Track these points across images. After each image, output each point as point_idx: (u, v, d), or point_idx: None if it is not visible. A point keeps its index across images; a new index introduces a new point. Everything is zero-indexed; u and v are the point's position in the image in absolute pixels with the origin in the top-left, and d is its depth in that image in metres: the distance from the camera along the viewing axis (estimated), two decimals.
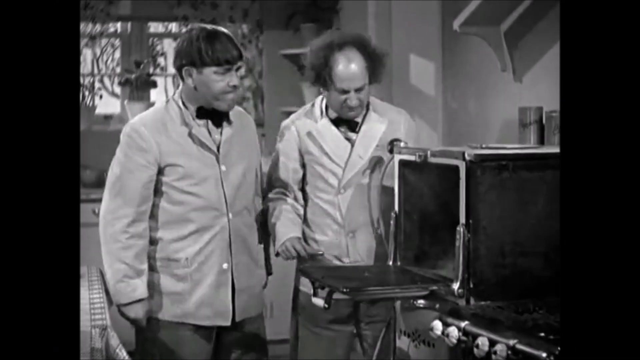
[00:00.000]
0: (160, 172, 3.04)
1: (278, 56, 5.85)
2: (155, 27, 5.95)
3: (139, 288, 3.03)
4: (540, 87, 3.78)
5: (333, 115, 3.34)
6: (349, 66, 3.22)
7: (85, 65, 5.69)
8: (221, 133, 3.10)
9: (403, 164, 2.99)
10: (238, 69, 3.05)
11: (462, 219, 2.61)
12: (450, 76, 4.64)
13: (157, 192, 3.06)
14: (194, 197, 3.05)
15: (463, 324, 2.48)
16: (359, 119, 3.34)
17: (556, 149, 2.67)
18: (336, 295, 2.82)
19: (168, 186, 3.05)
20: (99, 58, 5.74)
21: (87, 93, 5.66)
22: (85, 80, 5.68)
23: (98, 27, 5.65)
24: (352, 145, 3.32)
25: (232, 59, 3.01)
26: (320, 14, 5.72)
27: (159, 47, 5.89)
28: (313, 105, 3.43)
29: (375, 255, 3.29)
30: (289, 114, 5.77)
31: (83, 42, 5.61)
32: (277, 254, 3.29)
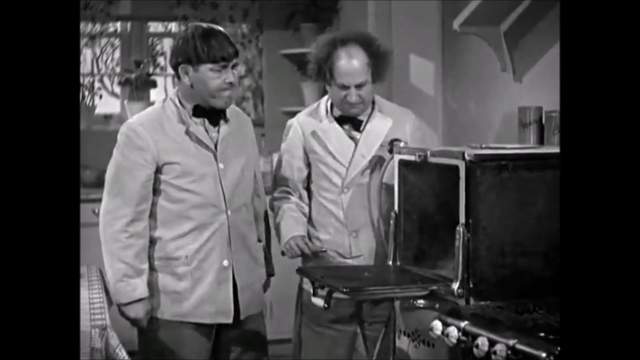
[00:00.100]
0: (158, 170, 3.04)
1: (278, 56, 5.85)
2: (155, 27, 5.95)
3: (139, 287, 3.03)
4: (540, 87, 3.78)
5: (337, 113, 3.35)
6: (349, 61, 3.24)
7: (85, 65, 5.69)
8: (218, 131, 3.11)
9: (403, 164, 2.99)
10: (234, 66, 3.05)
11: (462, 219, 2.61)
12: (450, 76, 4.64)
13: (156, 190, 3.07)
14: (193, 194, 3.05)
15: (463, 324, 2.48)
16: (362, 118, 3.34)
17: (556, 149, 2.67)
18: (336, 295, 2.82)
19: (166, 184, 3.06)
20: (98, 58, 5.74)
21: (87, 93, 5.67)
22: (85, 80, 5.68)
23: (98, 27, 5.65)
24: (356, 145, 3.32)
25: (228, 56, 3.01)
26: (320, 14, 5.72)
27: (158, 47, 5.90)
28: (319, 104, 3.43)
29: (378, 255, 3.29)
30: (289, 113, 5.82)
31: (83, 42, 5.61)
32: (283, 253, 3.32)
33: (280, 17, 5.82)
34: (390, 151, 3.18)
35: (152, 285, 3.08)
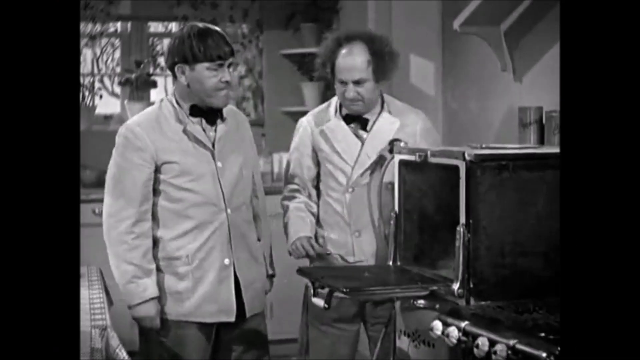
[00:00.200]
0: (157, 170, 3.05)
1: (278, 56, 5.85)
2: (155, 27, 5.95)
3: (150, 287, 3.03)
4: (540, 87, 3.78)
5: (345, 112, 3.37)
6: (349, 57, 3.27)
7: (85, 65, 5.69)
8: (215, 130, 3.12)
9: (403, 164, 2.99)
10: (230, 65, 3.06)
11: (462, 219, 2.61)
12: (450, 76, 4.64)
13: (155, 190, 3.07)
14: (192, 193, 3.06)
15: (463, 324, 2.48)
16: (369, 117, 3.35)
17: (556, 149, 2.67)
18: (337, 295, 2.82)
19: (165, 184, 3.06)
20: (99, 58, 5.74)
21: (87, 93, 5.66)
22: (85, 80, 5.68)
23: (98, 27, 5.65)
24: (363, 144, 3.33)
25: (224, 55, 3.02)
26: (320, 14, 5.72)
27: (159, 47, 5.89)
28: (330, 103, 3.46)
29: (380, 256, 3.30)
30: (289, 113, 5.85)
31: (83, 42, 5.61)
32: (290, 253, 3.36)
33: (280, 17, 5.82)
34: (391, 151, 3.18)
35: (157, 286, 3.08)
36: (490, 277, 2.63)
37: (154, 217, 3.08)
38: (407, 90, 4.68)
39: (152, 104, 3.21)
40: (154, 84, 5.62)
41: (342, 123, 3.36)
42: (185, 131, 3.07)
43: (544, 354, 2.15)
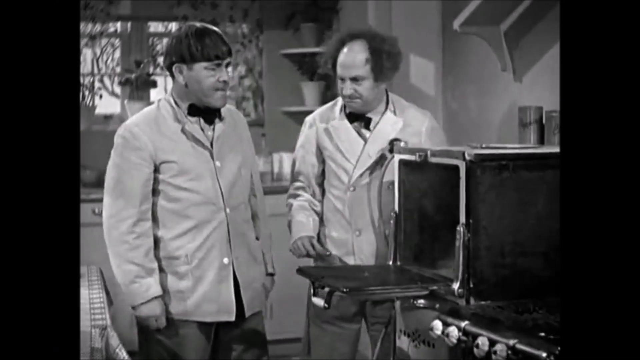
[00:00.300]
0: (156, 169, 3.05)
1: (278, 56, 5.85)
2: (155, 27, 5.94)
3: (153, 286, 3.03)
4: (540, 87, 3.78)
5: (349, 110, 3.38)
6: (348, 54, 3.30)
7: (85, 65, 5.69)
8: (213, 129, 3.12)
9: (403, 163, 2.99)
10: (228, 64, 3.06)
11: (462, 219, 2.61)
12: (451, 76, 4.64)
13: (154, 191, 3.07)
14: (191, 193, 3.06)
15: (463, 323, 2.48)
16: (372, 116, 3.36)
17: (556, 149, 2.67)
18: (337, 294, 2.83)
19: (164, 184, 3.06)
20: (99, 58, 5.74)
21: (87, 93, 5.66)
22: (85, 80, 5.67)
23: (98, 27, 5.65)
24: (365, 143, 3.34)
25: (221, 54, 3.02)
26: (320, 14, 5.72)
27: (159, 47, 5.88)
28: (337, 101, 3.48)
29: (380, 255, 3.30)
30: (289, 113, 5.85)
31: (83, 42, 5.60)
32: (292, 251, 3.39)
33: (280, 17, 5.82)
34: (391, 151, 3.18)
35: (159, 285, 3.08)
36: (490, 277, 2.62)
37: (154, 217, 3.08)
38: (407, 90, 4.68)
39: (152, 103, 3.21)
40: (154, 84, 5.62)
41: (346, 122, 3.38)
42: (183, 131, 3.07)
43: (544, 354, 2.15)
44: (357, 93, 3.29)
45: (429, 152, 2.82)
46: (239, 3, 5.84)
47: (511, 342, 2.26)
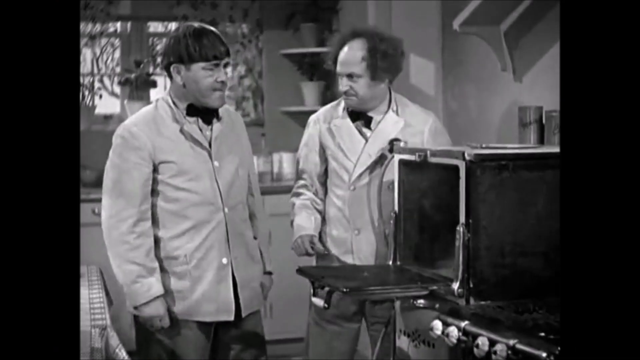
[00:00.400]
0: (155, 169, 3.05)
1: (278, 56, 5.85)
2: (155, 27, 5.94)
3: (154, 286, 3.02)
4: (540, 87, 3.78)
5: (350, 108, 3.39)
6: (346, 51, 3.32)
7: (85, 65, 5.69)
8: (211, 129, 3.12)
9: (403, 163, 2.99)
10: (226, 65, 3.06)
11: (462, 219, 2.61)
12: (450, 76, 4.64)
13: (153, 191, 3.07)
14: (189, 193, 3.06)
15: (463, 323, 2.48)
16: (373, 115, 3.36)
17: (556, 149, 2.67)
18: (337, 295, 2.83)
19: (163, 184, 3.06)
20: (98, 58, 5.74)
21: (87, 93, 5.66)
22: (85, 80, 5.67)
23: (98, 27, 5.65)
24: (366, 142, 3.34)
25: (219, 55, 3.02)
26: (320, 14, 5.72)
27: (158, 47, 5.88)
28: (340, 101, 3.48)
29: (379, 255, 3.31)
30: (289, 113, 5.85)
31: (83, 42, 5.60)
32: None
33: (280, 17, 5.82)
34: (391, 151, 3.19)
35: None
36: (490, 277, 2.62)
37: (153, 218, 3.07)
38: (407, 90, 4.67)
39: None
40: (154, 84, 5.62)
41: (348, 120, 3.39)
42: (182, 131, 3.07)
43: (544, 354, 2.15)
44: (352, 90, 3.31)
45: (428, 152, 2.82)
46: (239, 3, 5.84)
47: (511, 342, 2.26)
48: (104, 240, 3.05)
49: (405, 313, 2.85)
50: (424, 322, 2.67)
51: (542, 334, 2.25)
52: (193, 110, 3.09)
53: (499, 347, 2.28)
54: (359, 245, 3.34)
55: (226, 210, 3.10)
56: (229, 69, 3.16)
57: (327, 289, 2.82)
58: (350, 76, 3.29)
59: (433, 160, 2.80)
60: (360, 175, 3.33)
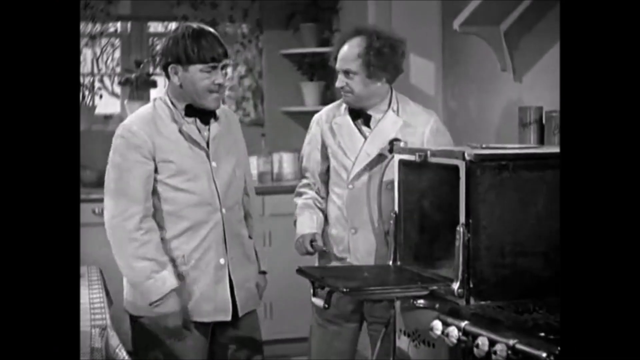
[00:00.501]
0: (154, 169, 3.04)
1: (278, 56, 5.85)
2: (155, 26, 5.95)
3: (168, 279, 2.99)
4: (540, 87, 3.78)
5: (349, 105, 3.40)
6: (344, 49, 3.33)
7: (85, 65, 5.69)
8: (209, 130, 3.12)
9: (403, 163, 2.99)
10: (224, 67, 3.06)
11: (462, 219, 2.61)
12: (451, 76, 4.64)
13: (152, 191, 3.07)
14: (187, 193, 3.05)
15: (463, 323, 2.48)
16: (373, 114, 3.37)
17: (556, 149, 2.67)
18: (336, 294, 2.83)
19: (161, 184, 3.05)
20: (99, 58, 5.74)
21: (87, 93, 5.66)
22: (85, 80, 5.67)
23: (98, 27, 5.65)
24: (365, 141, 3.35)
25: (217, 57, 3.02)
26: (320, 14, 5.73)
27: (159, 47, 5.88)
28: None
29: (379, 255, 3.31)
30: (289, 113, 5.85)
31: (83, 41, 5.60)
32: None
33: (280, 17, 5.82)
34: (390, 151, 3.19)
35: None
36: (490, 277, 2.63)
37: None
38: (407, 90, 4.67)
39: None
40: (154, 84, 5.62)
41: (349, 118, 3.39)
42: (181, 131, 3.07)
43: (544, 354, 2.15)
44: (348, 87, 3.32)
45: (428, 152, 2.82)
46: (239, 3, 5.84)
47: (511, 342, 2.26)
48: (109, 241, 3.02)
49: (405, 313, 2.85)
50: (424, 322, 2.67)
51: (542, 334, 2.25)
52: (191, 110, 3.09)
53: (499, 347, 2.28)
54: (355, 244, 3.34)
55: (223, 210, 3.10)
56: (228, 70, 3.16)
57: (327, 289, 2.82)
58: (346, 73, 3.31)
59: (433, 160, 2.80)
60: (359, 173, 3.33)
